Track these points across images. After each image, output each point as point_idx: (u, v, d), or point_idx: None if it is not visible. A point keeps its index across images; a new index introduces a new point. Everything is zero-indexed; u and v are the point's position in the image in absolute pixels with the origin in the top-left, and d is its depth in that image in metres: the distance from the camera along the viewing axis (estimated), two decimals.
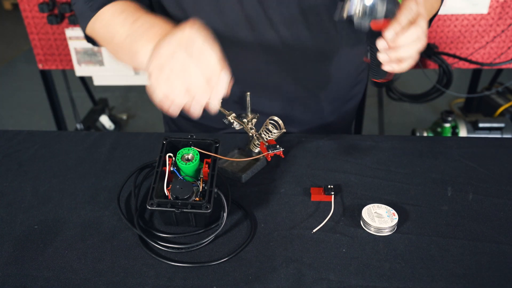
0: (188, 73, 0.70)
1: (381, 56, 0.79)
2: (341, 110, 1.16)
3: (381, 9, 0.74)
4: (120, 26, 0.85)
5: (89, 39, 0.98)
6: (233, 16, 0.93)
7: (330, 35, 0.98)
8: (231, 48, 0.96)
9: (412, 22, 0.76)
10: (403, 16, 0.75)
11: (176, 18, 0.97)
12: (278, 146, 0.76)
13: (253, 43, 0.97)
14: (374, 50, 0.79)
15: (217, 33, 0.94)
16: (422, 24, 0.77)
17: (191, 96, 0.71)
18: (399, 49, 0.77)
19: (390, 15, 0.75)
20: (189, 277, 0.70)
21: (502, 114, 2.38)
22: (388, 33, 0.75)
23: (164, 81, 0.70)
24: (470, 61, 2.00)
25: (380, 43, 0.77)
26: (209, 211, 0.72)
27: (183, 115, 0.81)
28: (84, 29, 0.95)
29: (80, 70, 2.05)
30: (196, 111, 0.73)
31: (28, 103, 3.34)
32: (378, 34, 0.77)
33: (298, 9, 0.93)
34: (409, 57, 0.79)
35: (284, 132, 0.88)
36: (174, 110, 0.72)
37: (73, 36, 1.95)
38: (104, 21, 0.89)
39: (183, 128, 1.19)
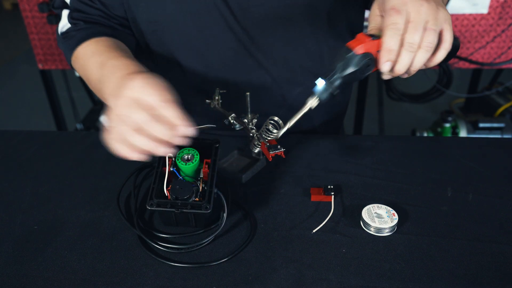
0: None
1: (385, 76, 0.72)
2: (330, 110, 1.15)
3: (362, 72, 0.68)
4: (91, 70, 0.86)
5: None
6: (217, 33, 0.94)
7: (311, 49, 0.98)
8: (218, 61, 0.97)
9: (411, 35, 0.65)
10: (388, 39, 0.65)
11: (159, 54, 0.99)
12: (279, 147, 0.76)
13: (241, 51, 0.97)
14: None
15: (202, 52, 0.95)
16: (420, 22, 0.64)
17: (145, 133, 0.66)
18: (402, 72, 0.69)
19: (364, 74, 0.68)
20: (189, 278, 0.70)
21: (502, 114, 2.38)
22: (383, 67, 0.68)
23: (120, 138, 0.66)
24: (470, 61, 2.00)
25: (384, 76, 0.71)
26: (209, 211, 0.72)
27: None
28: (70, 65, 0.97)
29: None
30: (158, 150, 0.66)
31: (28, 103, 3.34)
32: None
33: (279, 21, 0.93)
34: (421, 64, 0.68)
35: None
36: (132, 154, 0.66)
37: None
38: (80, 63, 0.91)
39: None
